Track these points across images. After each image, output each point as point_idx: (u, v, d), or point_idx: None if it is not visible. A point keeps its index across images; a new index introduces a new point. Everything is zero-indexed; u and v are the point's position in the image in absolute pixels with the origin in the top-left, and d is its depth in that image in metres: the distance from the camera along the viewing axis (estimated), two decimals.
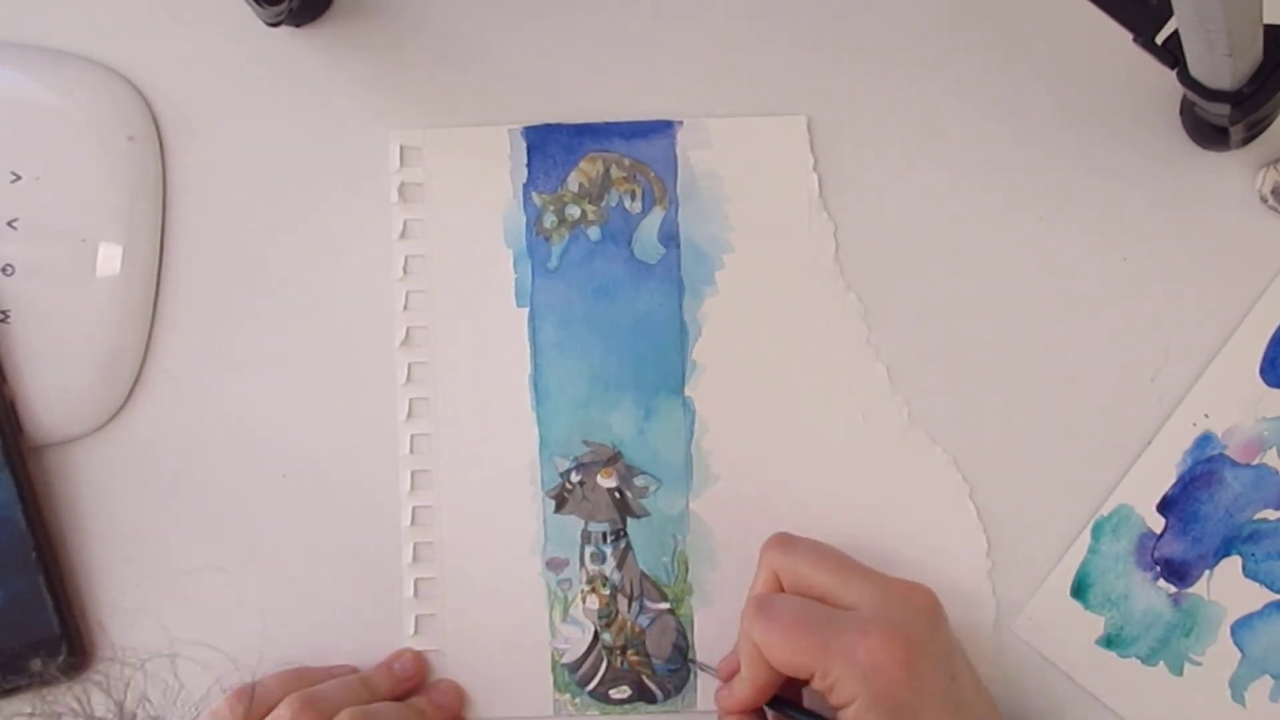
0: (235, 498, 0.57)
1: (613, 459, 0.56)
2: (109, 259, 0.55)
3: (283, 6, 0.54)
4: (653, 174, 0.56)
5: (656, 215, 0.56)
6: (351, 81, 0.57)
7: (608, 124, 0.57)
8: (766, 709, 0.52)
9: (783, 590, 0.52)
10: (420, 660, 0.56)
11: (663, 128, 0.56)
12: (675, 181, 0.56)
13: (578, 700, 0.56)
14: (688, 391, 0.56)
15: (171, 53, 0.57)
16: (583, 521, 0.56)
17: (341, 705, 0.51)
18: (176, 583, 0.56)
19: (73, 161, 0.56)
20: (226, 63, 0.57)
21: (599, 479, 0.56)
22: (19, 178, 0.55)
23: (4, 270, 0.55)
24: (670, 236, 0.56)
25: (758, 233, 0.56)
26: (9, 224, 0.55)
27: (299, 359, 0.57)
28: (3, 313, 0.55)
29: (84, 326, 0.56)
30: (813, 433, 0.56)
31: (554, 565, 0.56)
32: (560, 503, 0.56)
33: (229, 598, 0.56)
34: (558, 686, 0.56)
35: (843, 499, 0.56)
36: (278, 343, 0.57)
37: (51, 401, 0.56)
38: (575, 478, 0.56)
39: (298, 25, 0.57)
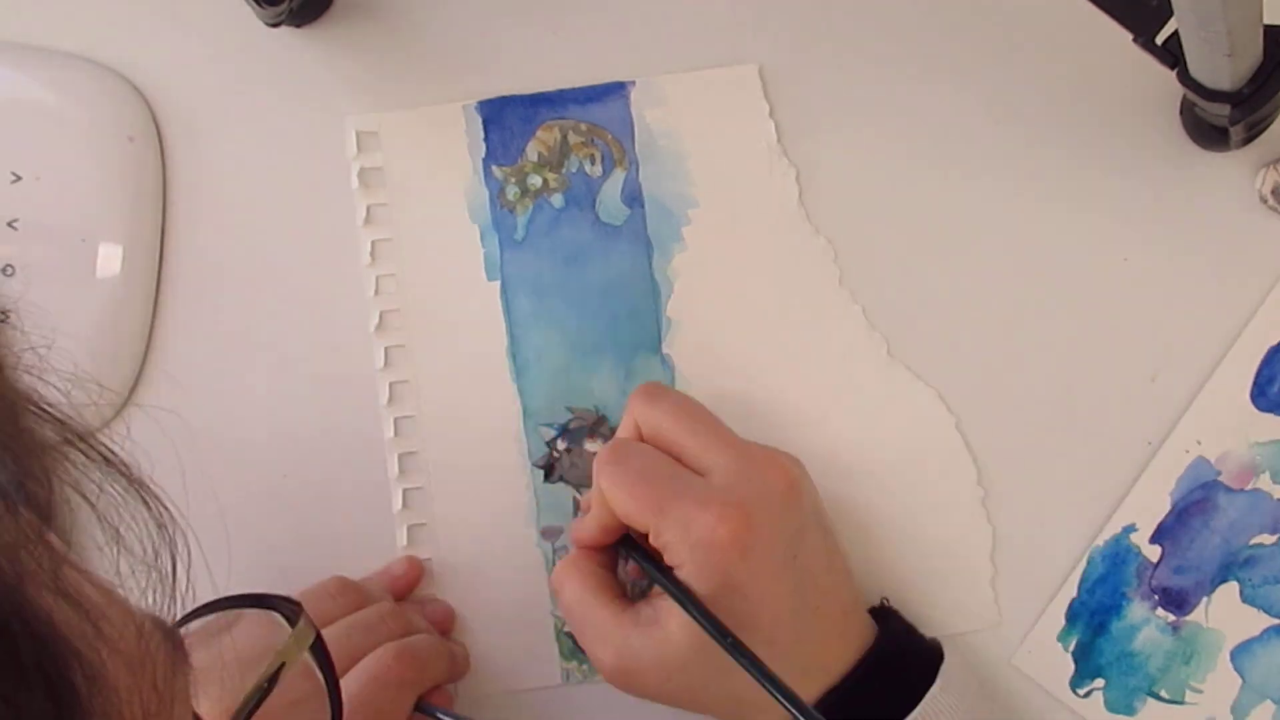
0: (235, 498, 0.56)
1: (598, 423, 0.55)
2: (109, 259, 0.56)
3: (283, 7, 0.54)
4: (610, 136, 0.56)
5: (618, 177, 0.56)
6: (352, 81, 0.57)
7: (561, 91, 0.56)
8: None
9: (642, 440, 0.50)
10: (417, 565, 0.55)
11: (616, 89, 0.56)
12: (633, 142, 0.56)
13: (585, 667, 0.55)
14: (665, 349, 0.55)
15: (171, 53, 0.58)
16: (573, 488, 0.55)
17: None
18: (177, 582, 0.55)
19: (73, 161, 0.56)
20: (226, 63, 0.58)
21: (585, 445, 0.55)
22: (19, 178, 0.56)
23: (4, 270, 0.55)
24: (634, 197, 0.56)
25: (721, 184, 0.56)
26: (9, 224, 0.55)
27: (299, 358, 0.57)
28: (3, 313, 0.55)
29: (84, 326, 0.55)
30: (794, 378, 0.55)
31: (549, 534, 0.55)
32: (549, 472, 0.55)
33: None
34: (564, 654, 0.55)
35: (828, 439, 0.55)
36: (278, 342, 0.57)
37: (51, 401, 0.55)
38: (561, 446, 0.55)
39: (298, 25, 0.57)
